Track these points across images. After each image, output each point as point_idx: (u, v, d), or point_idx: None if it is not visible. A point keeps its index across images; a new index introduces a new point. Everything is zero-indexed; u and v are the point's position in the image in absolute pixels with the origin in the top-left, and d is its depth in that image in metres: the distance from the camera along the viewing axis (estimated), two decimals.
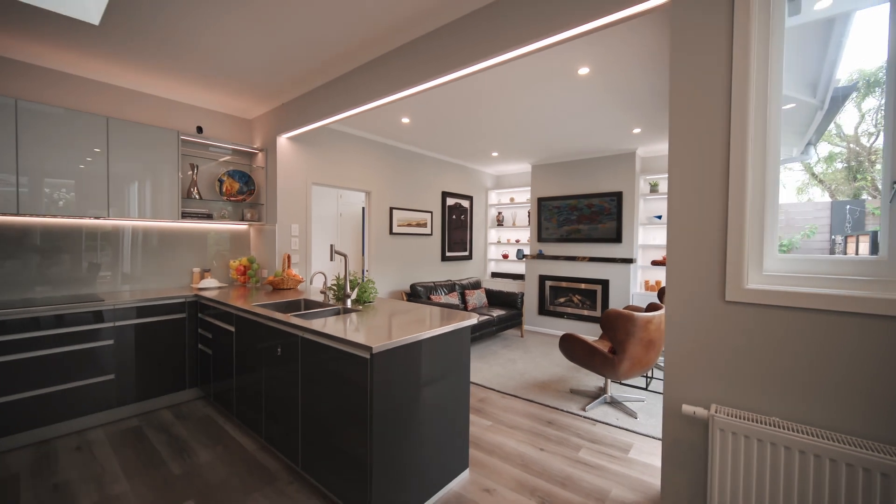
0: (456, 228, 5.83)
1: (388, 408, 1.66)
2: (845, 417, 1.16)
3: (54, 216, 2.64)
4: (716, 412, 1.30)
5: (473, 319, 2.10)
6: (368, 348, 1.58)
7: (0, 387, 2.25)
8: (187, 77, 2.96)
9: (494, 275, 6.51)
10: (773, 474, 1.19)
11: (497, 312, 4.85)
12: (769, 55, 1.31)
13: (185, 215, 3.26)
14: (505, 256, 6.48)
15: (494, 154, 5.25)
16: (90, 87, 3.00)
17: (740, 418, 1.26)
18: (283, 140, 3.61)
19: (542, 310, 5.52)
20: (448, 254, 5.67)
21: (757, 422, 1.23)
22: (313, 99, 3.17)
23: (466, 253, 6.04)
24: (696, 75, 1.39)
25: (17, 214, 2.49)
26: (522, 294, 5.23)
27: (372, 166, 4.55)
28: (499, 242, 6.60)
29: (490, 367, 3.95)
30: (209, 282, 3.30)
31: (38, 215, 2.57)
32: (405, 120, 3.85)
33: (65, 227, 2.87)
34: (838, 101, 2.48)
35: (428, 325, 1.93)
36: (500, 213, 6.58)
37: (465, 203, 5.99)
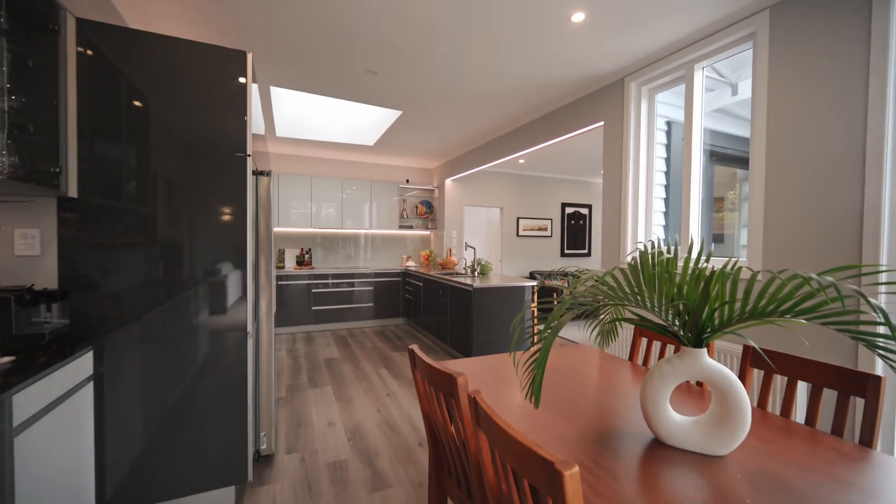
0: (575, 231, 7.30)
1: (481, 315, 3.73)
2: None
3: (328, 228, 5.76)
4: None
5: (532, 282, 3.94)
6: (471, 285, 3.69)
7: (334, 302, 5.36)
8: (403, 154, 5.72)
9: None
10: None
11: None
12: (641, 145, 2.79)
13: (399, 227, 6.08)
14: None
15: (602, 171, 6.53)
16: (358, 166, 6.12)
17: None
18: (448, 181, 6.09)
19: None
20: (567, 251, 7.21)
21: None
22: (465, 158, 5.48)
23: (585, 251, 7.41)
24: (611, 150, 2.95)
25: (316, 228, 5.67)
26: None
27: (502, 189, 6.63)
28: None
29: (581, 332, 5.46)
30: (410, 263, 6.03)
31: (319, 228, 5.70)
32: (521, 161, 5.79)
33: (334, 234, 6.04)
34: None
35: (506, 283, 3.90)
36: None
37: (584, 210, 7.38)
